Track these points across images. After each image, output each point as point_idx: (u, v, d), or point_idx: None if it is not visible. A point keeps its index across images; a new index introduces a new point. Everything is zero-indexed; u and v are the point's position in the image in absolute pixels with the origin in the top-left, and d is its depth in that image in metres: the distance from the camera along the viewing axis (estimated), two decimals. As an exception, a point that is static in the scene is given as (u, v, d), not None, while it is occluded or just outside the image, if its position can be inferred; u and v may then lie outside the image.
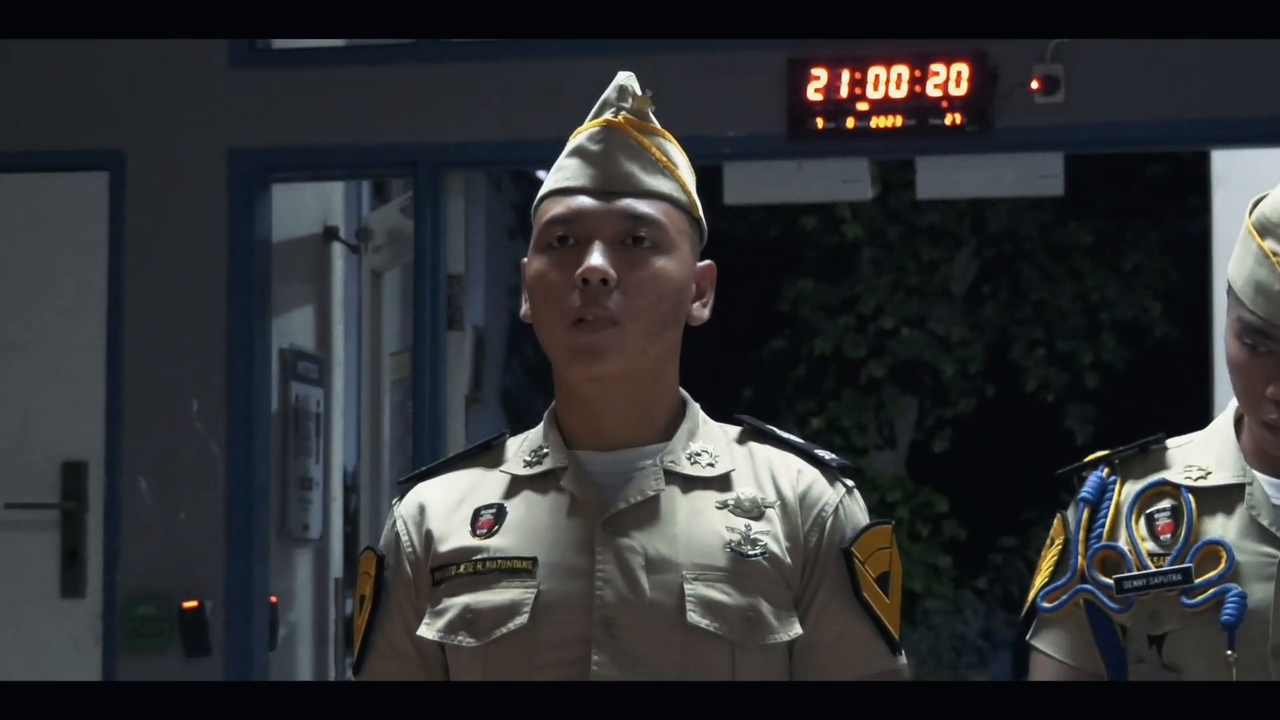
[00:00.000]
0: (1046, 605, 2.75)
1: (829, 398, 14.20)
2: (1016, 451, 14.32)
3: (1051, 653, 2.78)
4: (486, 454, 2.82)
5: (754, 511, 2.70)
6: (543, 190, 2.76)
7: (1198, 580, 2.63)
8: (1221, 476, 2.69)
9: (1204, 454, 2.73)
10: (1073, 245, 14.16)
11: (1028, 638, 2.83)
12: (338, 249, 7.39)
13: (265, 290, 6.78)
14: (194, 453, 6.58)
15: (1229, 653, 2.59)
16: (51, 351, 6.64)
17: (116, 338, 6.62)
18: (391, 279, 7.64)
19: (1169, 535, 2.68)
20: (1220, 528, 2.66)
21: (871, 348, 14.09)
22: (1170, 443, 2.78)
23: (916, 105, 6.45)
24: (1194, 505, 2.68)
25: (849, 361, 14.10)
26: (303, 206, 7.17)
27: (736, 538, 2.68)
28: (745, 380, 14.42)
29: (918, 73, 6.45)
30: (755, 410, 13.40)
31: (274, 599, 6.80)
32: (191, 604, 6.50)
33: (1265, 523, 2.63)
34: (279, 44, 6.84)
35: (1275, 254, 2.60)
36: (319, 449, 7.20)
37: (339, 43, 7.23)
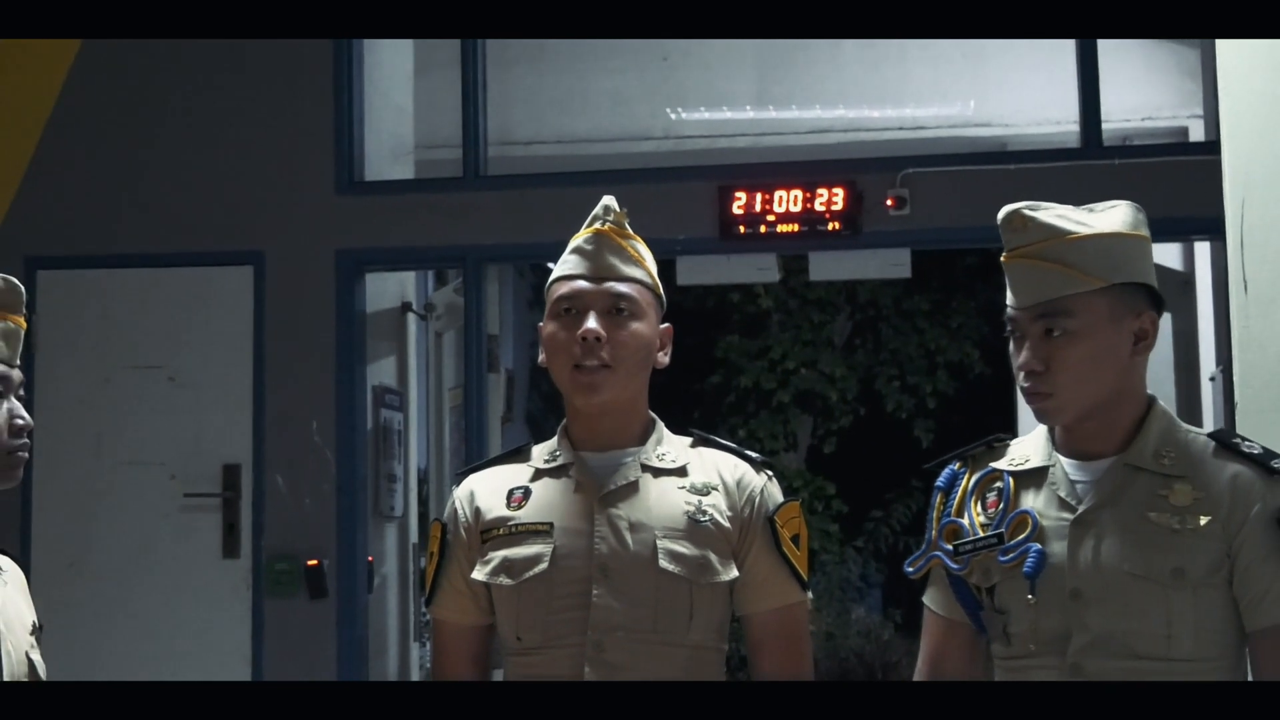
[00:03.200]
0: (909, 570, 2.71)
1: (750, 416, 14.09)
2: (880, 452, 14.29)
3: (932, 607, 2.73)
4: (518, 455, 2.88)
5: (704, 491, 2.76)
6: (553, 276, 2.83)
7: (1009, 542, 2.57)
8: (1035, 461, 2.63)
9: (1029, 446, 2.67)
10: (916, 311, 14.09)
11: (922, 598, 2.77)
12: (411, 318, 7.34)
13: (362, 346, 6.73)
14: (314, 457, 6.54)
15: (1029, 597, 2.53)
16: (216, 389, 6.60)
17: (260, 379, 6.58)
18: (449, 338, 7.61)
19: (995, 509, 2.62)
20: (1031, 500, 2.60)
21: (779, 382, 14.00)
22: (1013, 440, 2.72)
23: (808, 216, 6.44)
24: (1012, 485, 2.62)
25: (764, 392, 14.00)
26: (387, 289, 7.13)
27: (692, 509, 2.73)
28: (694, 405, 14.34)
29: (809, 195, 6.44)
30: (700, 425, 13.35)
31: (371, 558, 6.76)
32: (314, 562, 6.46)
33: (1063, 494, 2.57)
34: (370, 177, 6.79)
35: (1003, 256, 2.59)
36: (400, 454, 7.14)
37: (411, 176, 7.24)
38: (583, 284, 2.76)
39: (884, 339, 14.27)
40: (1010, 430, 8.33)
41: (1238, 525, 2.49)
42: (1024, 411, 8.86)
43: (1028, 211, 2.56)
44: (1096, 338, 2.51)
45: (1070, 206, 2.60)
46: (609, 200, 2.84)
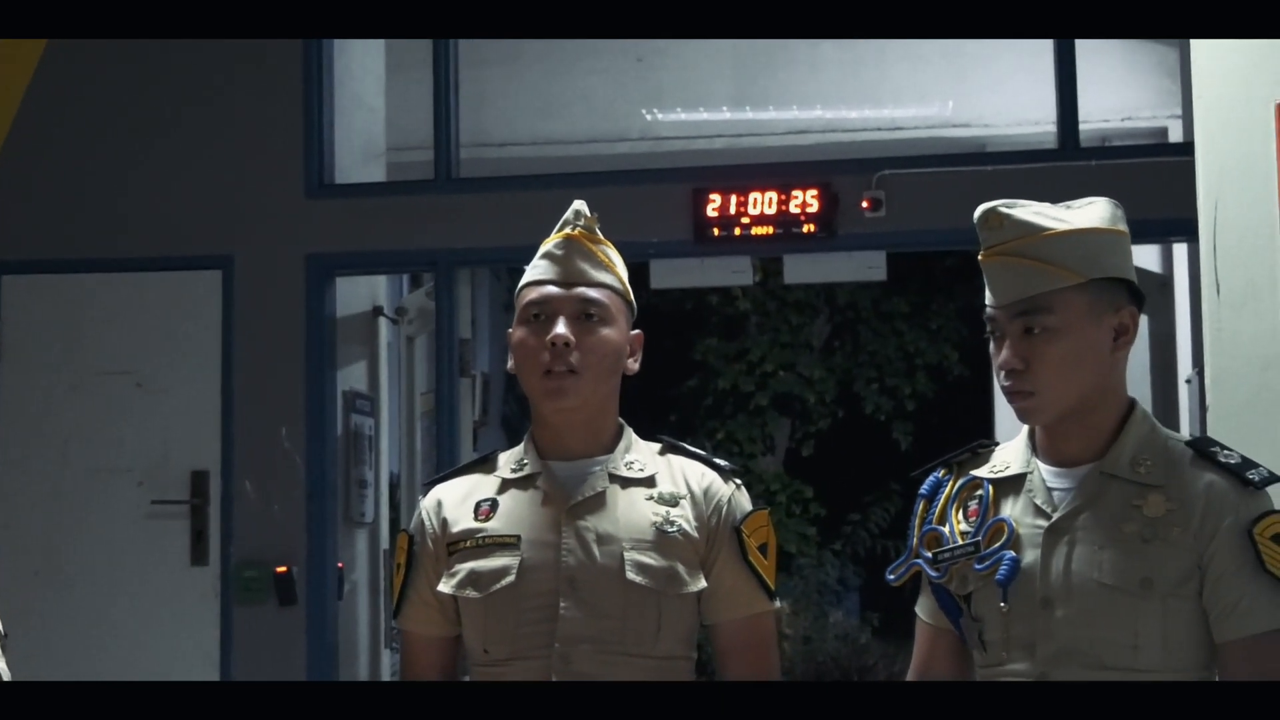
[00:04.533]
0: (890, 577, 2.70)
1: (728, 419, 14.06)
2: (859, 455, 14.29)
3: (921, 615, 2.72)
4: (484, 464, 2.84)
5: (672, 501, 2.73)
6: (523, 281, 2.79)
7: (985, 550, 2.55)
8: (1015, 468, 2.61)
9: (1011, 452, 2.65)
10: (895, 313, 14.11)
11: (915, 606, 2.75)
12: (383, 322, 7.29)
13: (332, 351, 6.69)
14: (284, 464, 6.50)
15: (1001, 604, 2.51)
16: (184, 395, 6.56)
17: (229, 384, 6.53)
18: (421, 342, 7.57)
19: (975, 518, 2.61)
20: (1009, 508, 2.58)
21: (757, 385, 13.97)
22: (999, 446, 2.70)
23: (783, 219, 6.41)
24: (991, 493, 2.61)
25: (742, 394, 13.98)
26: (358, 293, 7.07)
27: (660, 519, 2.70)
28: (670, 408, 14.34)
29: (783, 197, 6.41)
30: (676, 429, 13.39)
31: (341, 564, 6.71)
32: (283, 568, 6.42)
33: (1039, 502, 2.55)
34: (340, 180, 6.76)
35: (980, 255, 2.57)
36: (371, 460, 7.09)
37: (383, 179, 7.21)
38: (552, 289, 2.73)
39: (863, 341, 14.27)
40: (988, 433, 8.29)
41: (1209, 536, 2.48)
42: (1000, 413, 8.89)
43: (1004, 209, 2.54)
44: (1076, 334, 2.50)
45: (1047, 204, 2.58)
46: (579, 205, 2.81)
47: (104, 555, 6.49)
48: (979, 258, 2.57)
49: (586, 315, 2.72)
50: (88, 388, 6.56)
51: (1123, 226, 2.58)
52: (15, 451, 6.49)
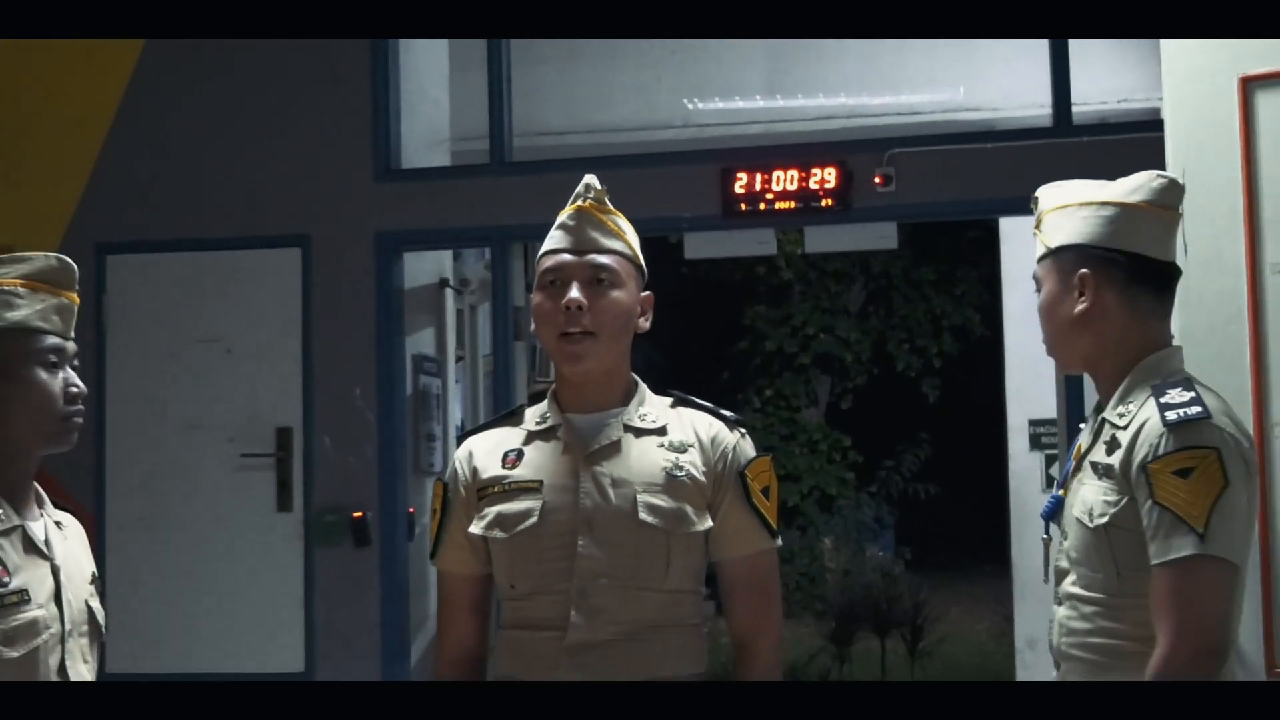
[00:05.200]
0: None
1: (775, 377, 14.10)
2: (892, 408, 14.31)
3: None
4: (512, 417, 2.82)
5: (681, 449, 2.69)
6: (541, 250, 2.76)
7: None
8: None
9: None
10: (924, 280, 14.17)
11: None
12: (448, 292, 7.24)
13: (400, 319, 6.62)
14: (358, 420, 6.44)
15: (1044, 536, 2.62)
16: (269, 360, 6.50)
17: (308, 350, 6.48)
18: (482, 310, 7.55)
19: None
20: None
21: (800, 346, 14.03)
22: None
23: (803, 194, 6.28)
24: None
25: (787, 355, 14.03)
26: (424, 266, 7.00)
27: (670, 465, 2.66)
28: (723, 368, 14.33)
29: (803, 174, 6.29)
30: (729, 386, 13.33)
31: (411, 509, 6.65)
32: (359, 514, 6.37)
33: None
34: (406, 164, 6.68)
35: None
36: (439, 416, 7.05)
37: (446, 164, 7.13)
38: (566, 257, 2.70)
39: (895, 306, 14.31)
40: (1000, 385, 7.99)
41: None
42: (1010, 368, 8.70)
43: None
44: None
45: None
46: (590, 178, 2.77)
47: (200, 503, 6.47)
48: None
49: (598, 280, 2.68)
50: (183, 355, 6.53)
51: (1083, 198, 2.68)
52: (121, 413, 6.48)
